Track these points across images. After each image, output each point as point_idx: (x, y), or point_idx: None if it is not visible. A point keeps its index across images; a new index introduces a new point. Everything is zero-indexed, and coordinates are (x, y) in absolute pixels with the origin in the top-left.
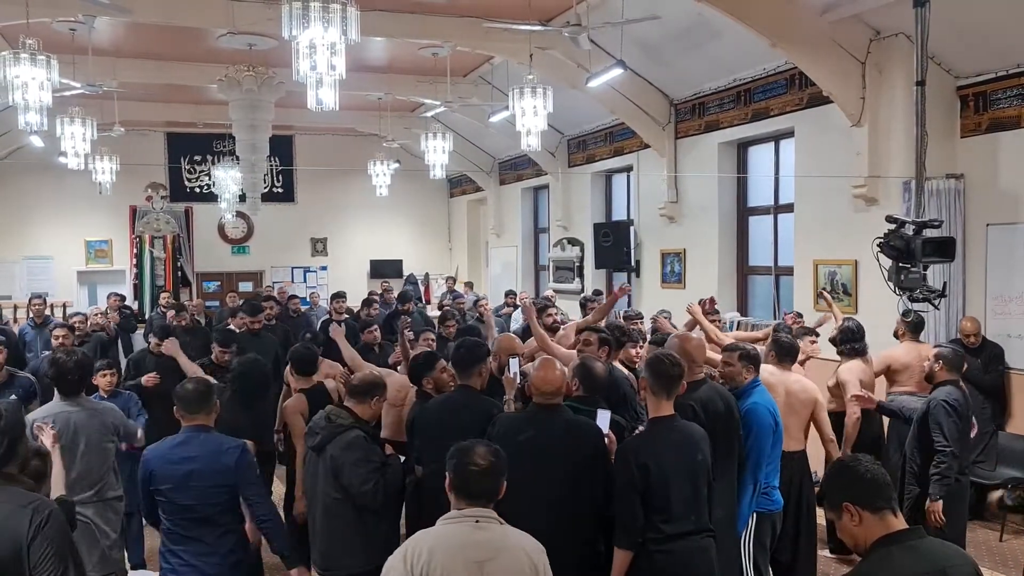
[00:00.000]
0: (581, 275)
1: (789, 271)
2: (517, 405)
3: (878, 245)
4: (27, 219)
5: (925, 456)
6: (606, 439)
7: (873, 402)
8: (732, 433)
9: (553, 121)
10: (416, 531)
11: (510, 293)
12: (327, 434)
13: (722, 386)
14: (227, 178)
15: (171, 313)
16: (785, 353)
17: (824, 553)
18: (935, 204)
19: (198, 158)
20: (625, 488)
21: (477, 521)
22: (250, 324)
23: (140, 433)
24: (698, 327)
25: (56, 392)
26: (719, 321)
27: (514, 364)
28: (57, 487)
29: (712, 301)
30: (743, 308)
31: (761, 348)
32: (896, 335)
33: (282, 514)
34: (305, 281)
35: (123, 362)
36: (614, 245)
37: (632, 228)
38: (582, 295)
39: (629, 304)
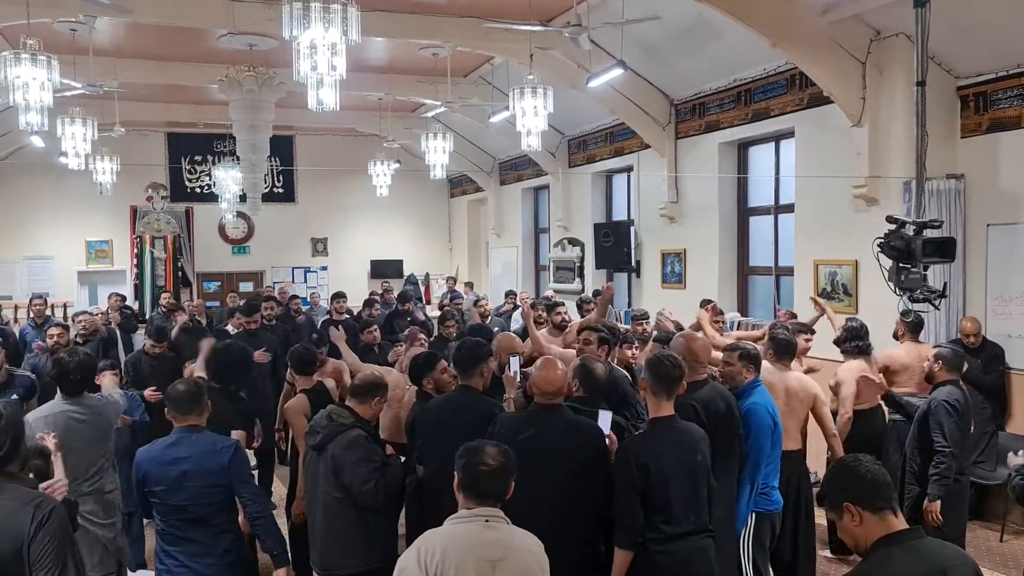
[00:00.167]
0: (581, 275)
1: (789, 271)
2: (519, 402)
3: (878, 245)
4: (28, 219)
5: (925, 456)
6: (607, 440)
7: (884, 387)
8: (733, 433)
9: (553, 121)
10: (416, 531)
11: (510, 293)
12: (328, 433)
13: (723, 386)
14: (227, 178)
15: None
16: (783, 350)
17: (824, 553)
18: (935, 204)
19: (199, 158)
20: (625, 488)
21: (487, 521)
22: (246, 324)
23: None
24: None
25: (58, 391)
26: (722, 323)
27: (514, 363)
28: None
29: (715, 309)
30: (743, 308)
31: (760, 347)
32: (895, 336)
33: (285, 515)
34: (305, 281)
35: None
36: (614, 245)
37: (632, 228)
38: (579, 296)
39: (629, 305)
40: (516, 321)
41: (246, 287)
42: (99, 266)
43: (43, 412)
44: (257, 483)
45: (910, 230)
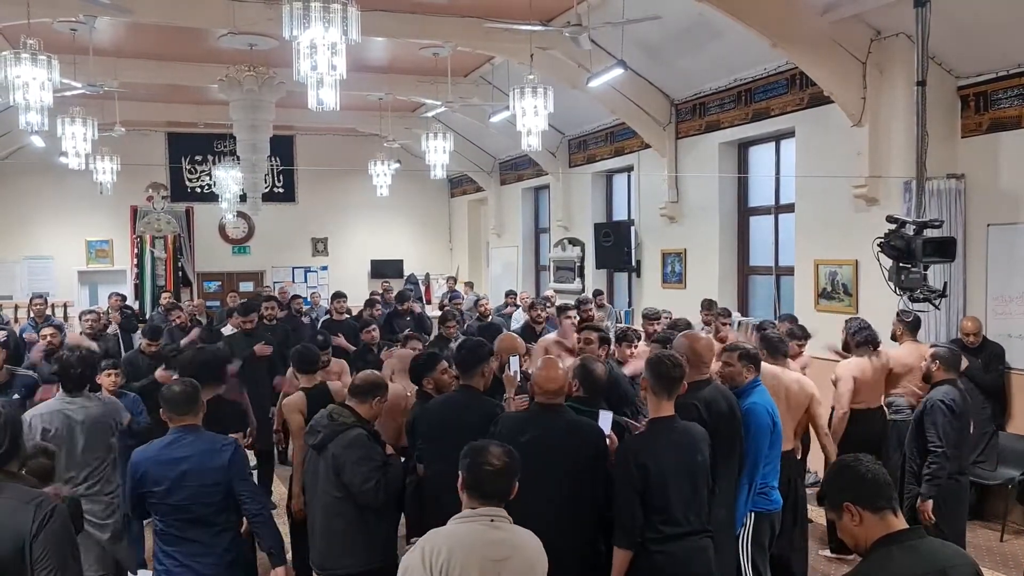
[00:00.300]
0: (582, 275)
1: (790, 271)
2: (520, 400)
3: (879, 245)
4: (28, 219)
5: (925, 456)
6: (607, 440)
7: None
8: (735, 433)
9: (554, 121)
10: (416, 531)
11: (511, 293)
12: (329, 432)
13: (724, 386)
14: (228, 178)
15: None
16: (774, 348)
17: (824, 553)
18: (936, 204)
19: (199, 158)
20: (624, 488)
21: (492, 520)
22: (243, 324)
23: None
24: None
25: (60, 388)
26: (728, 324)
27: (514, 362)
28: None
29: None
30: (744, 308)
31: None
32: (893, 337)
33: (285, 515)
34: (306, 281)
35: None
36: (615, 245)
37: (633, 228)
38: (577, 296)
39: (630, 304)
40: (517, 321)
41: (246, 287)
42: (99, 266)
43: (41, 409)
44: (256, 482)
45: (910, 230)
